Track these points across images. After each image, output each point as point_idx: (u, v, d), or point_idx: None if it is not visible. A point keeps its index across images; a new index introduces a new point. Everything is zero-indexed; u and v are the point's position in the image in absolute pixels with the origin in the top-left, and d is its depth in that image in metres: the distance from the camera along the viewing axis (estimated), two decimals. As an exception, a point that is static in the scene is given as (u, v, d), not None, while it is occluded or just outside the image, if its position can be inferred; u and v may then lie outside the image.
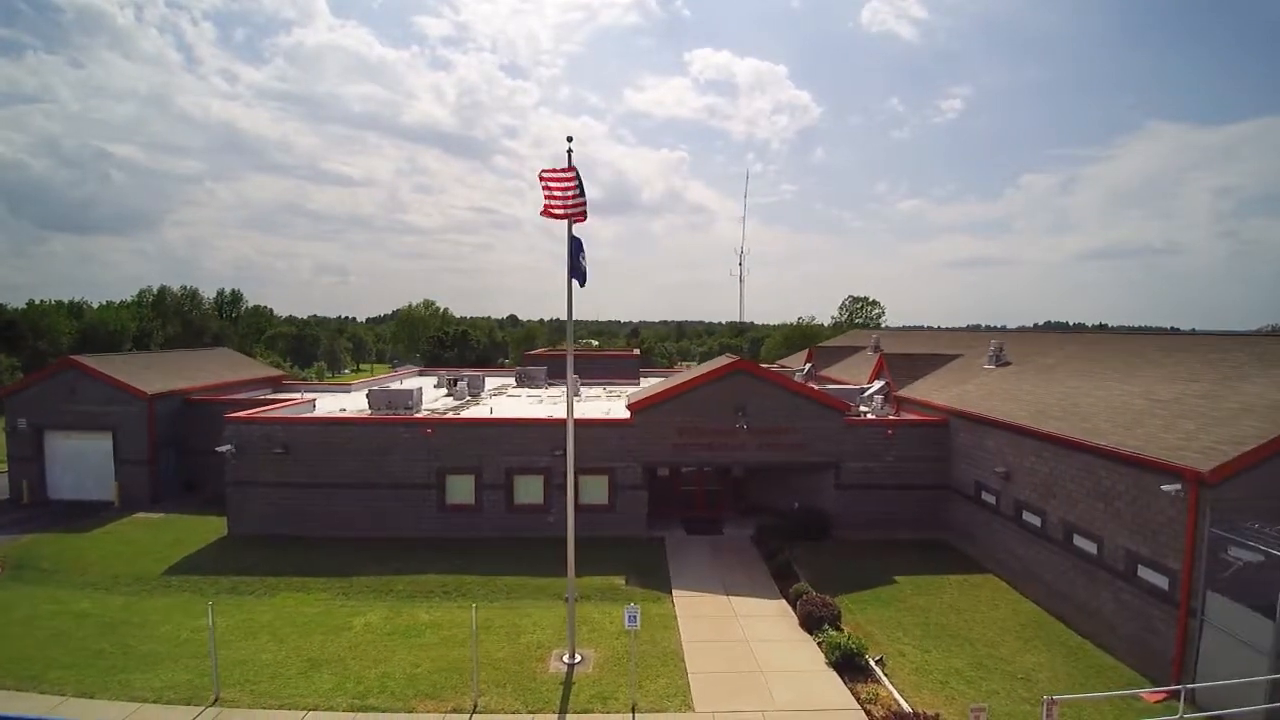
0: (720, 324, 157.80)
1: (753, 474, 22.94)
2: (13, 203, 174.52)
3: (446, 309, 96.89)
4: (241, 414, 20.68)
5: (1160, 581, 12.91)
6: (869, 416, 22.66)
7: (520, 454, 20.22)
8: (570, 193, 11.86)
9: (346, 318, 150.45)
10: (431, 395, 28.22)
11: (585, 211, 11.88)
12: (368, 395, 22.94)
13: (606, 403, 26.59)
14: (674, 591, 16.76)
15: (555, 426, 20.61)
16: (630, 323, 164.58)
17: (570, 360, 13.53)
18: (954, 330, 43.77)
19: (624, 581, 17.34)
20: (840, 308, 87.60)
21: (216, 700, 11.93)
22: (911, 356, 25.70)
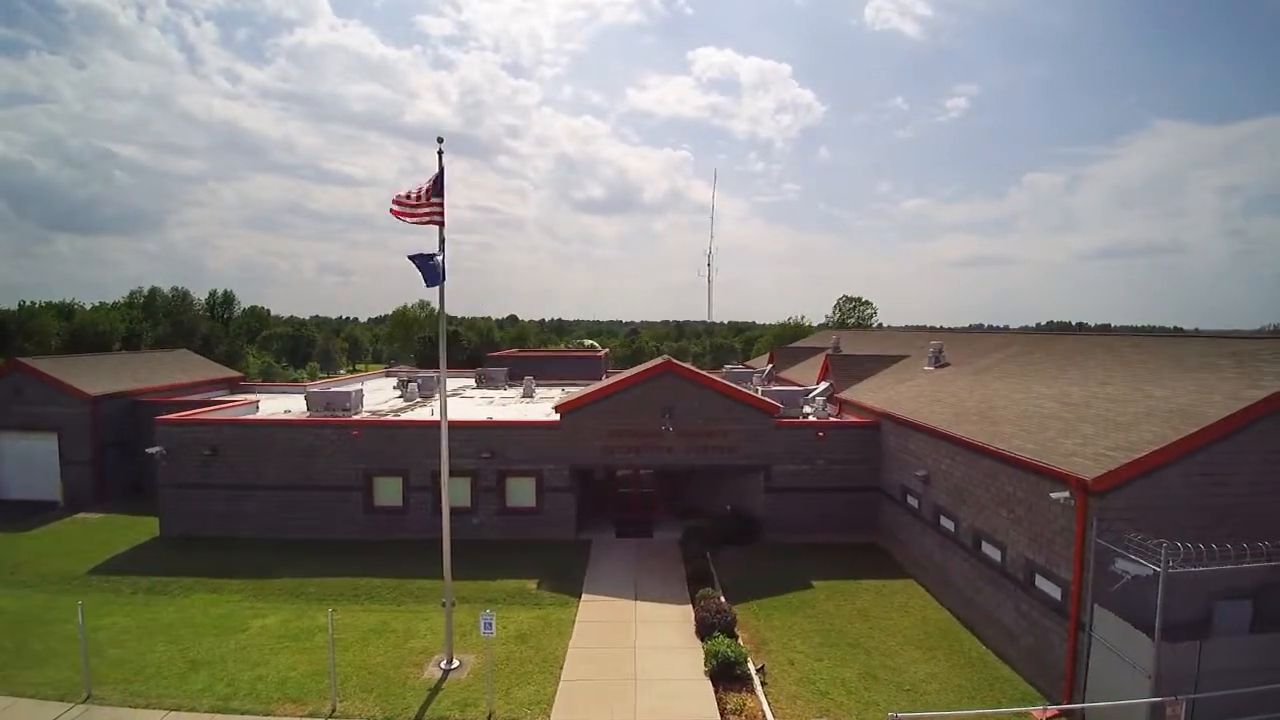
0: (722, 324, 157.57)
1: (689, 476, 22.69)
2: (18, 203, 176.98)
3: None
4: (171, 416, 20.81)
5: (1054, 592, 12.53)
6: (810, 418, 22.33)
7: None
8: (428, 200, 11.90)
9: (348, 318, 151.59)
10: (387, 396, 28.29)
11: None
12: (306, 396, 22.99)
13: (556, 404, 26.42)
14: (584, 596, 16.59)
15: (484, 428, 20.54)
16: (631, 322, 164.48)
17: (443, 359, 13.45)
18: (920, 330, 43.20)
19: (536, 586, 17.19)
20: (834, 307, 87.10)
21: (88, 698, 12.01)
22: (859, 358, 25.31)
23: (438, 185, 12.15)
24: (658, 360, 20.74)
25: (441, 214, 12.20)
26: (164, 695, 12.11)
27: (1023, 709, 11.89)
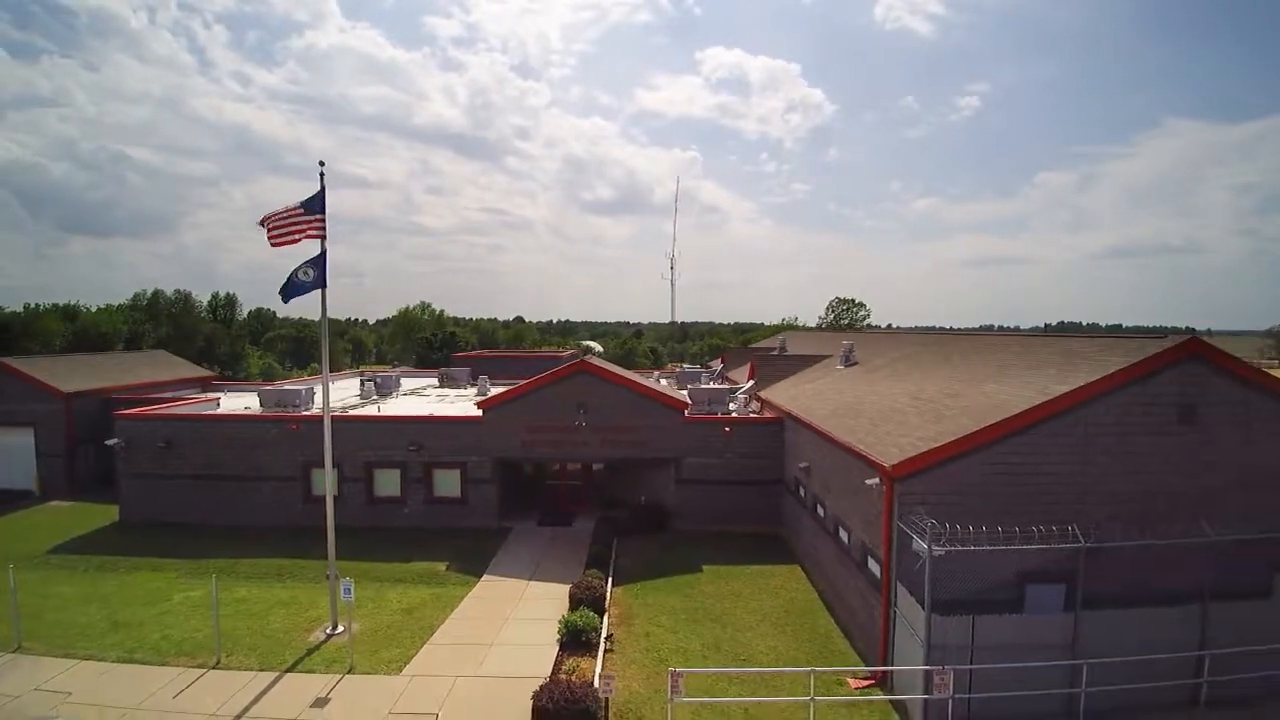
0: (726, 324, 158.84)
1: (612, 470, 24.02)
2: (33, 206, 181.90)
3: (442, 310, 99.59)
4: (129, 411, 22.68)
5: (877, 571, 13.68)
6: (734, 414, 23.53)
7: (377, 449, 21.72)
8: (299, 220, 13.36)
9: (356, 320, 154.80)
10: (350, 394, 30.03)
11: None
12: (259, 394, 24.76)
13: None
14: (485, 576, 18.03)
15: (411, 423, 22.10)
16: (638, 323, 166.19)
17: (325, 359, 14.95)
18: (928, 331, 43.99)
19: (445, 567, 18.67)
20: (827, 308, 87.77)
21: (18, 649, 13.80)
22: (785, 358, 26.48)
23: (319, 202, 13.66)
24: (574, 360, 22.12)
25: (322, 228, 13.70)
26: (82, 648, 13.85)
27: (842, 669, 13.09)
